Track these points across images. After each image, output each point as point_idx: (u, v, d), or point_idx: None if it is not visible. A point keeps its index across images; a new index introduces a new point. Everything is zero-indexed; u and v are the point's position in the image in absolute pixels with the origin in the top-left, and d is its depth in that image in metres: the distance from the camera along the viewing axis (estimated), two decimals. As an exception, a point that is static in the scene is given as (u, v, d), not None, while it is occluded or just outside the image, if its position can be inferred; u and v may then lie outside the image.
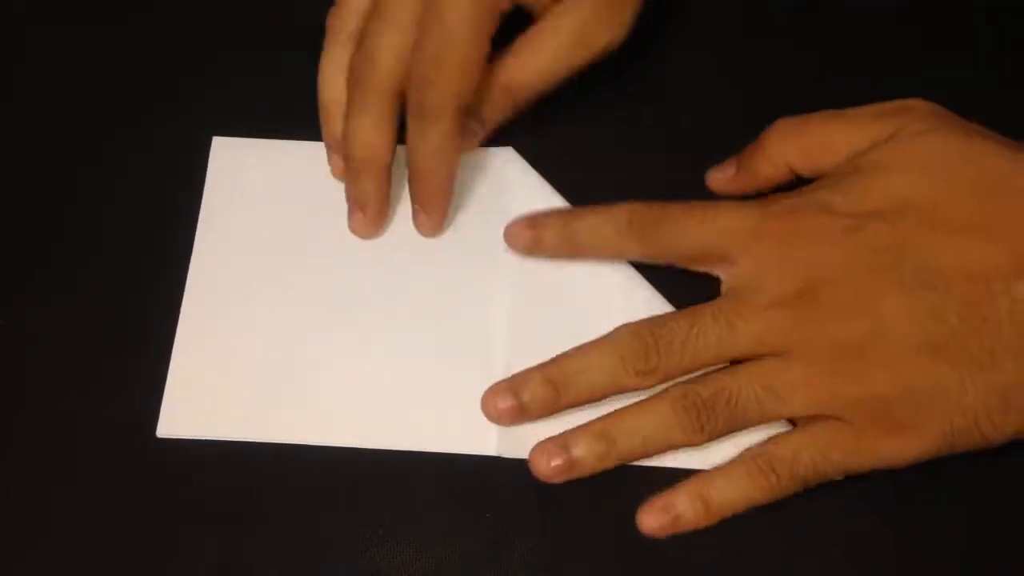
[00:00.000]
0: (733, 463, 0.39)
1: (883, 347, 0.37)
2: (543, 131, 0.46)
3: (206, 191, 0.45)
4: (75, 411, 0.41)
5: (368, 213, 0.43)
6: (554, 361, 0.40)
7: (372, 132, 0.42)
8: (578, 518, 0.39)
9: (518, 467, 0.40)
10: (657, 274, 0.42)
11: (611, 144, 0.46)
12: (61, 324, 0.43)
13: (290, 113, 0.46)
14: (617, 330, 0.40)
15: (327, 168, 0.45)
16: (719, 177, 0.44)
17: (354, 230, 0.44)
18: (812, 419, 0.38)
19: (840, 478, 0.38)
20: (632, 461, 0.40)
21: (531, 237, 0.42)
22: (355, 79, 0.42)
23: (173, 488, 0.40)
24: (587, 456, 0.39)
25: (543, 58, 0.42)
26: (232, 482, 0.40)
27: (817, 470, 0.38)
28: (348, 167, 0.43)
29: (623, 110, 0.46)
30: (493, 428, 0.40)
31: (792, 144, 0.42)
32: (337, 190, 0.44)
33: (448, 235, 0.44)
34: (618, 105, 0.46)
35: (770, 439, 0.39)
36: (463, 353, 0.42)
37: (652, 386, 0.39)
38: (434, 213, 0.43)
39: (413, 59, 0.40)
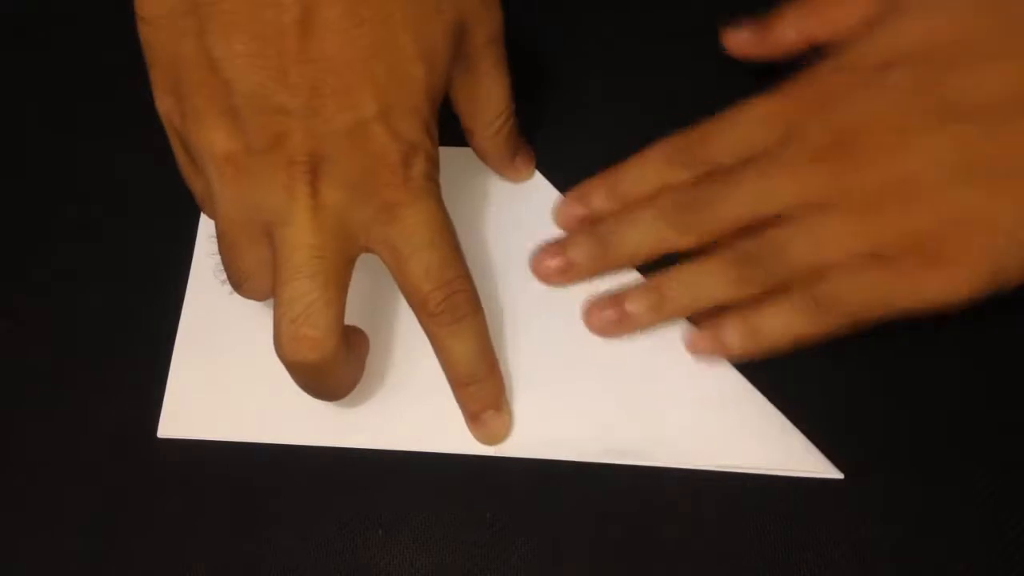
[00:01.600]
0: (779, 296, 0.39)
1: (919, 183, 0.37)
2: (549, 135, 0.46)
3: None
4: (75, 411, 0.41)
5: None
6: (602, 221, 0.42)
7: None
8: (578, 518, 0.39)
9: (518, 467, 0.40)
10: (660, 271, 0.42)
11: (613, 145, 0.45)
12: (61, 325, 0.43)
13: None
14: (659, 192, 0.41)
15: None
16: (736, 37, 0.44)
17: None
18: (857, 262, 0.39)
19: (890, 317, 0.38)
20: (684, 315, 0.41)
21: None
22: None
23: (173, 488, 0.40)
24: (639, 309, 0.41)
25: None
26: (232, 482, 0.40)
27: (863, 304, 0.38)
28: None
29: (632, 111, 0.46)
30: (492, 428, 0.41)
31: (812, 14, 0.42)
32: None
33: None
34: (627, 108, 0.46)
35: (813, 279, 0.39)
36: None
37: (693, 244, 0.40)
38: (501, 411, 0.40)
39: (418, 278, 0.37)
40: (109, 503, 0.40)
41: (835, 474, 0.40)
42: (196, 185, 0.39)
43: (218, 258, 0.39)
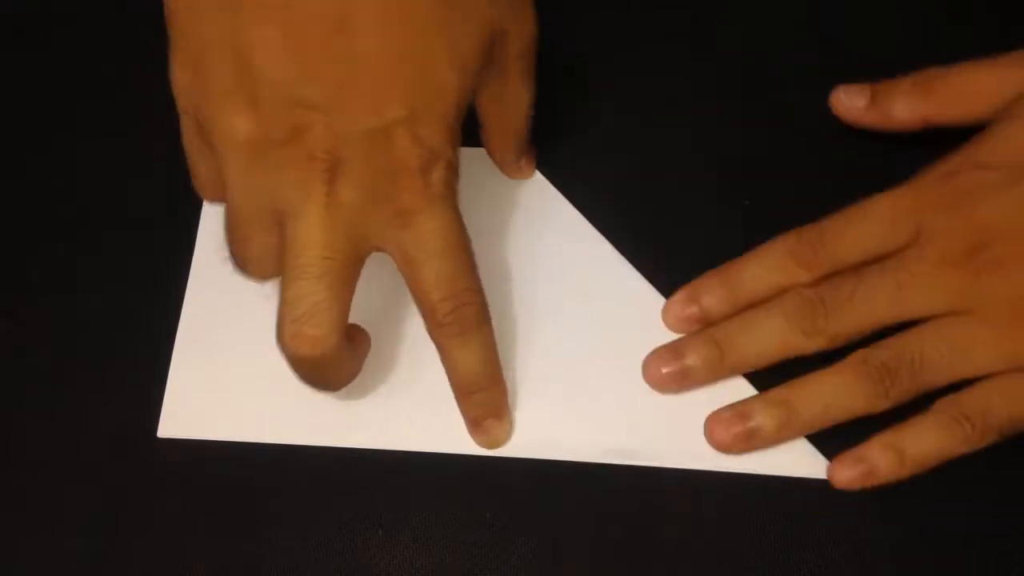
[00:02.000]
0: (922, 415, 0.38)
1: None
2: (550, 136, 0.46)
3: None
4: (75, 411, 0.41)
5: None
6: (719, 325, 0.40)
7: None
8: (578, 518, 0.39)
9: (518, 467, 0.40)
10: (659, 274, 0.43)
11: (613, 145, 0.45)
12: (61, 324, 0.43)
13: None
14: (783, 295, 0.39)
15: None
16: (848, 104, 0.43)
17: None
18: (1000, 373, 0.38)
19: None
20: (813, 430, 0.39)
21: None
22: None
23: (173, 488, 0.40)
24: (768, 425, 0.39)
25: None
26: (232, 482, 0.40)
27: (1012, 418, 0.37)
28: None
29: (632, 111, 0.46)
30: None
31: (932, 95, 0.41)
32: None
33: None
34: (629, 109, 0.46)
35: (960, 391, 0.38)
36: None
37: (821, 348, 0.39)
38: (503, 419, 0.41)
39: (429, 286, 0.37)
40: (109, 503, 0.40)
41: (836, 475, 0.39)
42: (200, 166, 0.38)
43: (221, 239, 0.39)
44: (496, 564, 0.39)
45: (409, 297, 0.43)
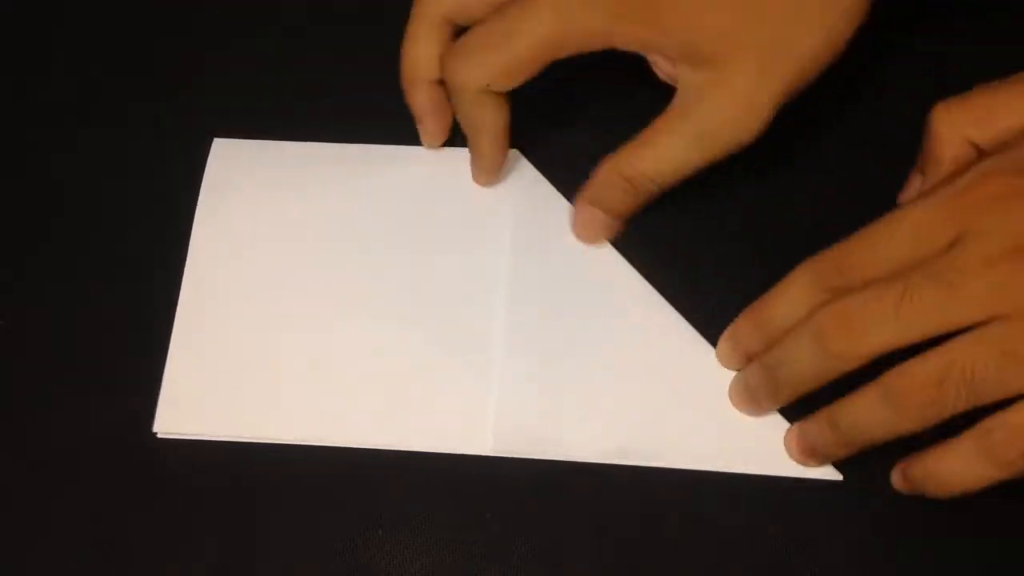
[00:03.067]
0: (962, 438, 0.35)
1: None
2: (549, 134, 0.46)
3: (202, 191, 0.45)
4: (75, 411, 0.41)
5: (427, 125, 0.44)
6: (765, 352, 0.38)
7: (419, 48, 0.42)
8: (578, 518, 0.39)
9: (518, 467, 0.40)
10: (658, 274, 0.43)
11: (612, 143, 0.45)
12: (61, 324, 0.43)
13: (290, 113, 0.46)
14: (814, 314, 0.36)
15: (325, 169, 0.45)
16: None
17: (423, 142, 0.45)
18: None
19: None
20: (861, 448, 0.37)
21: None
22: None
23: (173, 488, 0.40)
24: (819, 441, 0.38)
25: (664, 150, 0.40)
26: (232, 482, 0.40)
27: None
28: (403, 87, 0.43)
29: (632, 112, 0.46)
30: (489, 427, 0.40)
31: (964, 119, 0.37)
32: (334, 191, 0.45)
33: (447, 235, 0.44)
34: (627, 106, 0.46)
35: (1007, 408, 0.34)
36: (461, 352, 0.42)
37: (857, 367, 0.36)
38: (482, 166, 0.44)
39: (486, 22, 0.39)
40: (108, 502, 0.40)
41: (834, 475, 0.40)
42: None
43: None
44: (496, 564, 0.39)
45: (409, 297, 0.43)
